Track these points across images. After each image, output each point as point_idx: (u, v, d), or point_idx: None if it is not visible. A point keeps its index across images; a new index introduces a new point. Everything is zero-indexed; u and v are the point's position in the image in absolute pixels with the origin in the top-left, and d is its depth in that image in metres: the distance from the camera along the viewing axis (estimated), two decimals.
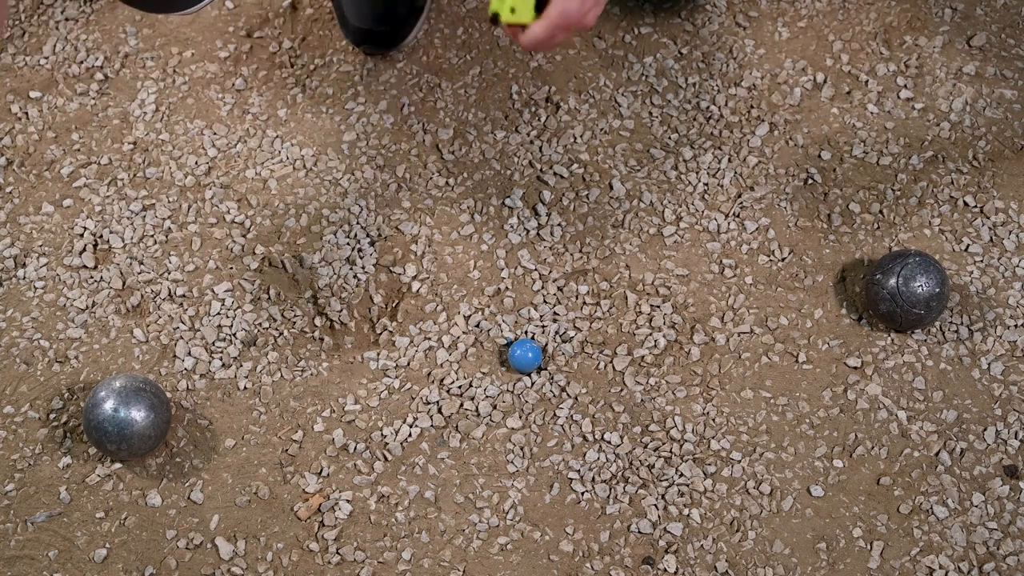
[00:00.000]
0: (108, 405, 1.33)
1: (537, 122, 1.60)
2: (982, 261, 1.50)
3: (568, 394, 1.42)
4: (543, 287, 1.48)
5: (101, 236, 1.52)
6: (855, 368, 1.44)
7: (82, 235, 1.52)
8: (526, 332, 1.45)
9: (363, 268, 1.49)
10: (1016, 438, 1.40)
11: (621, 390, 1.42)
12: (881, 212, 1.54)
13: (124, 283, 1.49)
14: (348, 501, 1.36)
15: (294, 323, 1.45)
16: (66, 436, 1.39)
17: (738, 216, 1.53)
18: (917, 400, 1.42)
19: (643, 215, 1.53)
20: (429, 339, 1.45)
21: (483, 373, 1.43)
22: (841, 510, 1.36)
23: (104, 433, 1.33)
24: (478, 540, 1.34)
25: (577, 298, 1.48)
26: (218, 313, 1.46)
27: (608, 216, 1.53)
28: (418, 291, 1.48)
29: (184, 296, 1.48)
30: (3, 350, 1.44)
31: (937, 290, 1.41)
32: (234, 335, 1.45)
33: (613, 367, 1.43)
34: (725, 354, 1.44)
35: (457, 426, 1.40)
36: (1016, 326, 1.46)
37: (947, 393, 1.43)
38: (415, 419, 1.40)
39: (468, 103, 1.62)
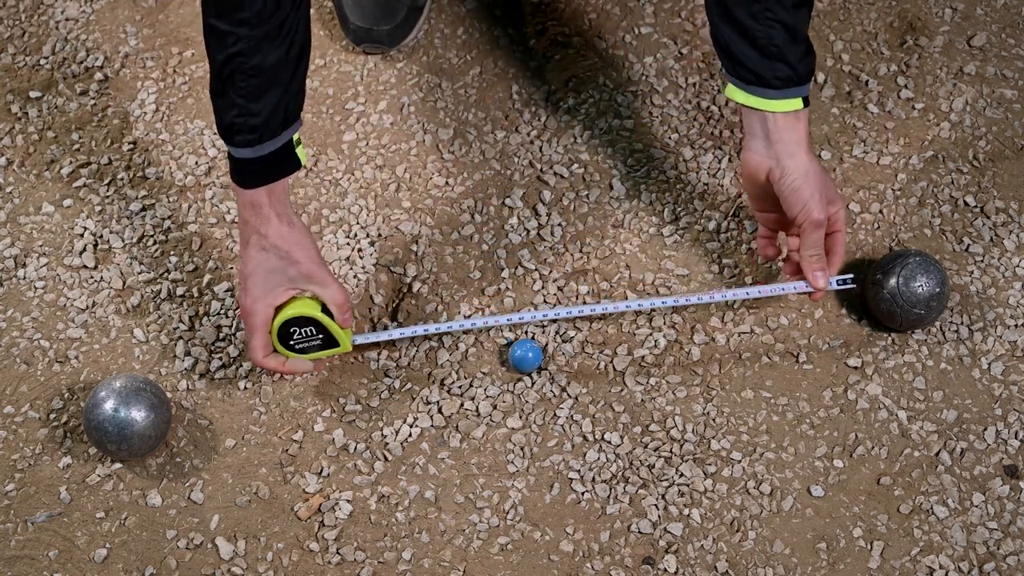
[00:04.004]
0: (108, 405, 1.33)
1: (537, 122, 1.60)
2: (982, 261, 1.50)
3: (568, 394, 1.42)
4: (543, 287, 1.48)
5: (101, 236, 1.52)
6: (855, 368, 1.44)
7: (82, 235, 1.52)
8: (526, 332, 1.45)
9: (363, 268, 1.49)
10: (1016, 438, 1.40)
11: (621, 390, 1.42)
12: (881, 212, 1.54)
13: (124, 283, 1.49)
14: (348, 501, 1.36)
15: None
16: (66, 436, 1.39)
17: (737, 216, 1.53)
18: (917, 400, 1.42)
19: (643, 215, 1.53)
20: (430, 339, 1.45)
21: (483, 373, 1.43)
22: (841, 510, 1.36)
23: (104, 433, 1.33)
24: (478, 540, 1.34)
25: (577, 298, 1.48)
26: (218, 313, 1.46)
27: (608, 216, 1.53)
28: (418, 291, 1.48)
29: (184, 296, 1.48)
30: (3, 350, 1.44)
31: (937, 290, 1.41)
32: (234, 335, 1.45)
33: (613, 367, 1.43)
34: (725, 354, 1.44)
35: (457, 426, 1.40)
36: (1016, 326, 1.46)
37: (947, 393, 1.43)
38: (415, 419, 1.40)
39: (468, 103, 1.62)
